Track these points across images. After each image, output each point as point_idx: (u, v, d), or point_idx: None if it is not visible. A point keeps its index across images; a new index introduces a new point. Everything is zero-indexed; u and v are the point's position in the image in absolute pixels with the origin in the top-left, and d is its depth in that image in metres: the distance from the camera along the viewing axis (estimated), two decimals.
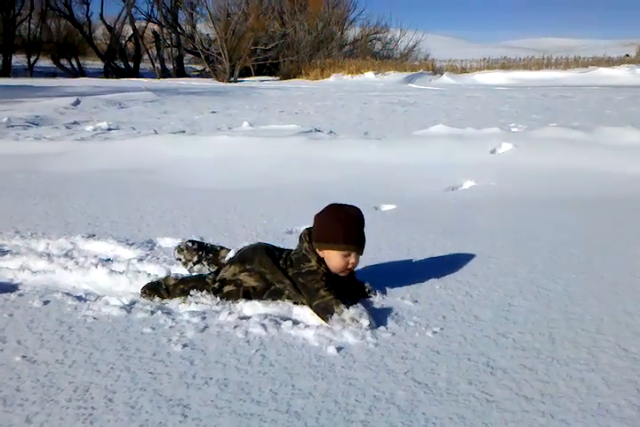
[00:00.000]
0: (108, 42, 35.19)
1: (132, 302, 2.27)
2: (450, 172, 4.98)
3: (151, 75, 32.40)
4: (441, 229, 3.31)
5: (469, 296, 2.34)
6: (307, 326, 2.05)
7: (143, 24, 35.18)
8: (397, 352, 1.89)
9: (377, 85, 23.39)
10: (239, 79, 28.92)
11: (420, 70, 29.92)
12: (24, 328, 2.06)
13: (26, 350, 1.89)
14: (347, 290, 2.28)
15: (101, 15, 34.71)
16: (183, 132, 7.55)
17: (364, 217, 2.26)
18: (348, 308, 2.06)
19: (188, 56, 36.76)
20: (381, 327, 2.04)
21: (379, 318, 2.11)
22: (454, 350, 1.90)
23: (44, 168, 5.21)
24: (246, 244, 2.51)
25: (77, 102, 11.75)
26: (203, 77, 31.93)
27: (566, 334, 2.02)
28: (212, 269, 2.53)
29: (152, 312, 2.17)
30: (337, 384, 1.70)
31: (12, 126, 8.01)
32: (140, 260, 2.73)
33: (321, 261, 2.20)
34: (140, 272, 2.55)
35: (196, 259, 2.59)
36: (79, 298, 2.31)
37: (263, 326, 2.04)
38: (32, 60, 33.38)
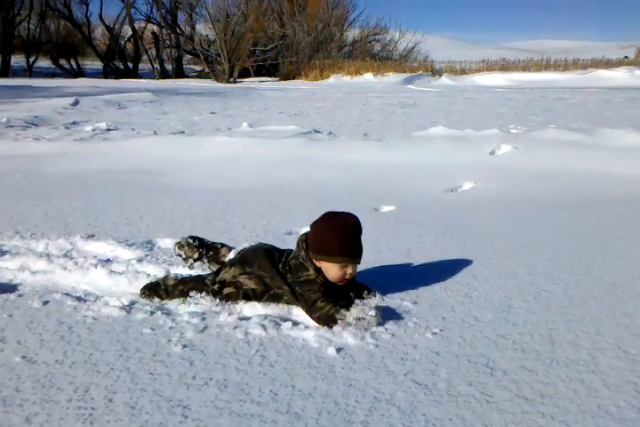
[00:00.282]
0: (108, 42, 35.21)
1: (132, 303, 2.27)
2: (449, 173, 4.98)
3: (150, 75, 32.42)
4: (440, 230, 3.31)
5: (469, 298, 2.34)
6: (306, 327, 2.05)
7: (142, 25, 35.22)
8: (397, 353, 1.89)
9: (376, 87, 23.42)
10: (238, 80, 28.93)
11: (420, 72, 29.93)
12: (24, 329, 2.05)
13: (26, 351, 1.89)
14: (347, 294, 2.28)
15: (100, 16, 34.79)
16: (182, 132, 7.54)
17: (364, 219, 2.25)
18: (348, 309, 2.06)
19: (187, 57, 36.80)
20: (381, 328, 2.04)
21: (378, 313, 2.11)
22: (454, 352, 1.90)
23: (43, 168, 5.21)
24: (246, 245, 2.52)
25: (76, 103, 11.74)
26: (202, 78, 31.93)
27: (566, 335, 2.02)
28: (212, 267, 2.54)
29: (152, 313, 2.17)
30: (337, 385, 1.70)
31: (12, 127, 8.01)
32: (140, 260, 2.73)
33: (318, 270, 2.18)
34: (139, 273, 2.55)
35: (196, 256, 2.59)
36: (79, 298, 2.31)
37: (263, 326, 2.04)
38: (31, 60, 33.41)
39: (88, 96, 13.23)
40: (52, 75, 31.68)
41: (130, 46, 35.82)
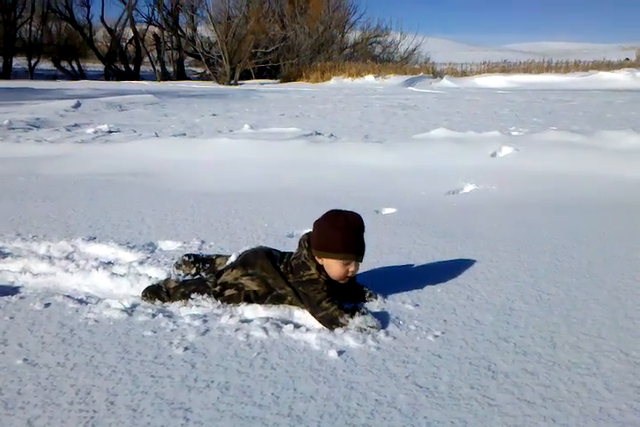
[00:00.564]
0: (109, 44, 35.26)
1: (134, 305, 2.27)
2: (450, 175, 4.98)
3: (152, 77, 32.47)
4: (442, 232, 3.31)
5: (471, 300, 2.34)
6: (308, 330, 2.05)
7: (144, 27, 35.30)
8: (399, 356, 1.89)
9: (377, 88, 23.43)
10: (239, 82, 28.95)
11: (421, 73, 29.97)
12: (25, 331, 2.06)
13: (27, 353, 1.89)
14: (348, 294, 2.29)
15: (102, 18, 34.79)
16: (184, 134, 7.55)
17: (365, 221, 2.26)
18: (352, 316, 2.06)
19: (188, 59, 36.84)
20: (382, 331, 2.04)
21: (380, 321, 2.11)
22: (456, 354, 1.90)
23: (44, 171, 5.21)
24: (247, 247, 2.52)
25: (78, 105, 11.76)
26: (203, 80, 31.96)
27: (567, 338, 2.02)
28: None
29: (153, 315, 2.17)
30: (339, 388, 1.70)
31: (13, 129, 8.02)
32: (141, 263, 2.73)
33: (320, 268, 2.19)
34: (140, 275, 2.55)
35: (194, 271, 2.60)
36: (80, 301, 2.31)
37: (264, 329, 2.04)
38: (33, 62, 33.44)
39: (89, 98, 13.25)
40: (54, 77, 31.72)
41: (131, 48, 35.87)
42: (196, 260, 2.62)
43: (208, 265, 2.59)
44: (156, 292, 2.35)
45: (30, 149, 6.33)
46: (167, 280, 2.43)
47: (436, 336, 2.02)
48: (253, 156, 5.77)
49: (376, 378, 1.75)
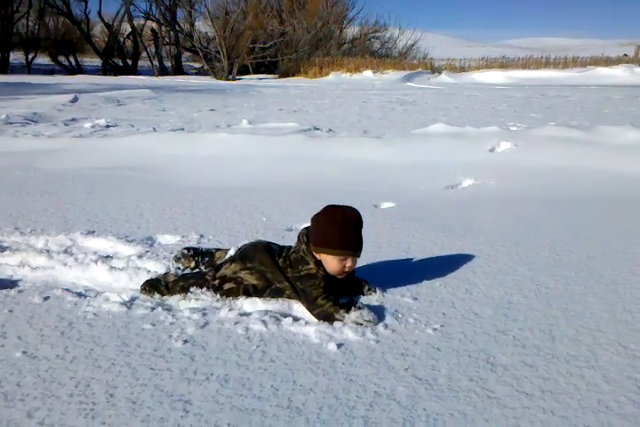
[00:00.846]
0: (107, 39, 35.11)
1: (133, 299, 2.27)
2: (449, 170, 4.98)
3: (149, 72, 32.33)
4: (440, 226, 3.31)
5: (469, 294, 2.35)
6: (307, 323, 2.06)
7: (142, 22, 35.11)
8: (398, 349, 1.89)
9: (376, 84, 23.38)
10: (237, 77, 28.86)
11: (419, 69, 29.89)
12: (24, 324, 2.06)
13: (26, 346, 1.89)
14: (346, 288, 2.29)
15: (99, 13, 34.58)
16: (182, 129, 7.54)
17: (364, 216, 2.25)
18: (348, 311, 2.06)
19: (186, 54, 36.69)
20: (381, 324, 2.05)
21: (379, 315, 2.12)
22: (454, 347, 1.91)
23: (42, 165, 5.20)
24: (246, 241, 2.52)
25: (75, 99, 11.73)
26: (201, 75, 31.88)
27: (566, 331, 2.03)
28: None
29: (152, 308, 2.18)
30: (338, 380, 1.70)
31: (11, 123, 7.99)
32: (140, 256, 2.73)
33: (319, 263, 2.19)
34: (139, 269, 2.55)
35: (193, 265, 2.60)
36: (79, 294, 2.31)
37: (263, 322, 2.04)
38: (30, 57, 33.28)
39: (87, 93, 13.21)
40: (51, 71, 31.57)
41: (129, 43, 35.71)
42: (196, 253, 2.62)
43: (207, 259, 2.60)
44: (155, 285, 2.35)
45: (28, 144, 6.32)
46: (166, 274, 2.43)
47: (435, 329, 2.02)
48: (252, 151, 5.76)
49: (375, 371, 1.76)
